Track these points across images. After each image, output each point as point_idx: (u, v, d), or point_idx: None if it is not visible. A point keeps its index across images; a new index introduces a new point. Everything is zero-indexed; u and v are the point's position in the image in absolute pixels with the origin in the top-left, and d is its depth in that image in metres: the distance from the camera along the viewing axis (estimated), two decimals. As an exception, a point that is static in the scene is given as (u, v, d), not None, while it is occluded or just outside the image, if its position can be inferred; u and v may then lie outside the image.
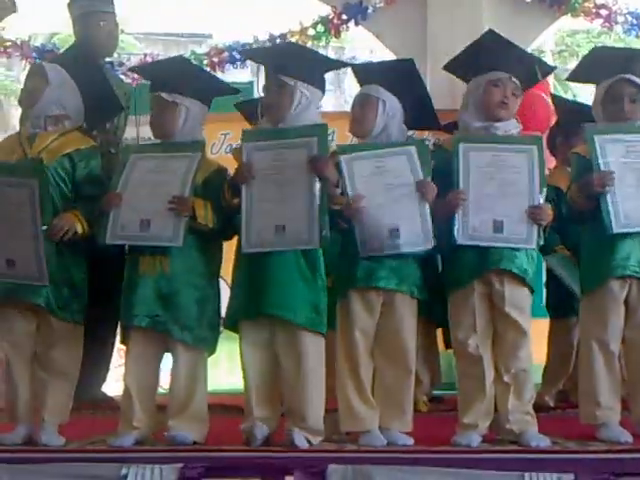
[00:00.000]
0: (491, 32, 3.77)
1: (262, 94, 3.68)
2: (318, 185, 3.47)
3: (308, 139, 3.51)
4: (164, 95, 3.61)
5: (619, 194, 3.52)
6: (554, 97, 5.21)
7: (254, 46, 6.69)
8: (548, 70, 4.07)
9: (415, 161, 3.54)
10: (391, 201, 3.52)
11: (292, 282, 3.48)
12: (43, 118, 3.70)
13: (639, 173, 3.56)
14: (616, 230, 3.51)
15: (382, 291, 3.57)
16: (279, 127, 3.58)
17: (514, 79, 3.64)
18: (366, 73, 3.82)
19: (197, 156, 3.55)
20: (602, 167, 3.54)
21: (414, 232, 3.53)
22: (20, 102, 3.91)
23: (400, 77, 3.73)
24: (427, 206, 3.52)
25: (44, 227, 3.51)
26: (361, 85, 3.79)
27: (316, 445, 3.46)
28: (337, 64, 3.93)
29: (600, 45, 5.96)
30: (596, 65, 3.75)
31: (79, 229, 3.58)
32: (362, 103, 3.69)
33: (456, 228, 3.49)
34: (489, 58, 3.65)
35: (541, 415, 3.65)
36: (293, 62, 3.59)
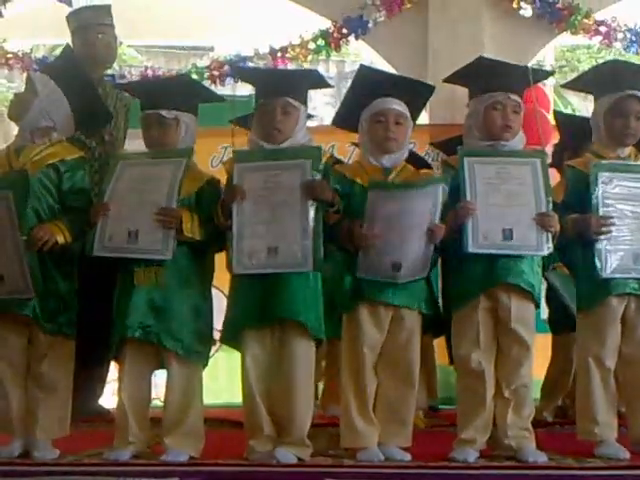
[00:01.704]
0: (482, 58, 3.78)
1: (259, 114, 3.63)
2: (313, 208, 3.46)
3: (302, 161, 3.50)
4: (164, 113, 3.61)
5: (612, 241, 3.54)
6: (557, 113, 5.20)
7: (255, 59, 6.71)
8: (543, 76, 4.11)
9: (438, 202, 3.50)
10: (402, 239, 3.50)
11: (300, 288, 3.47)
12: (30, 131, 3.68)
13: (632, 219, 3.58)
14: (604, 276, 3.54)
15: (391, 307, 3.56)
16: (271, 148, 3.57)
17: (512, 97, 3.62)
18: (384, 84, 3.70)
19: (183, 162, 3.53)
20: (601, 212, 3.55)
21: (414, 266, 3.53)
22: (9, 115, 3.89)
23: (415, 99, 3.72)
24: (432, 246, 3.52)
25: (24, 238, 3.48)
26: (365, 90, 3.68)
27: (311, 460, 3.45)
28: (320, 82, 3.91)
29: (615, 58, 5.90)
30: (603, 77, 3.72)
31: (60, 239, 3.55)
32: (398, 121, 3.62)
33: (466, 238, 3.48)
34: (484, 81, 3.64)
35: (539, 431, 3.63)
36: (295, 83, 3.61)
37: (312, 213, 3.45)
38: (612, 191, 3.57)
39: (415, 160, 4.59)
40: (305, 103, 3.65)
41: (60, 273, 3.63)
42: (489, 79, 3.63)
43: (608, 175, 3.58)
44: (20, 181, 3.56)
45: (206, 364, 3.63)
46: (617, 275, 3.55)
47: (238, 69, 5.76)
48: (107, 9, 4.91)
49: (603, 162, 3.62)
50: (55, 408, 3.62)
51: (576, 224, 3.59)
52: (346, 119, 3.80)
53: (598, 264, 3.53)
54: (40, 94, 3.69)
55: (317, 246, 3.43)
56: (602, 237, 3.53)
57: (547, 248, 3.52)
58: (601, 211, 3.55)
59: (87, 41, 4.77)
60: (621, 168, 3.62)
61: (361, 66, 3.90)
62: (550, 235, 3.51)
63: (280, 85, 3.60)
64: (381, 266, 3.51)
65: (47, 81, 3.75)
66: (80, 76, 3.91)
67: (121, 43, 5.61)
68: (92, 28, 4.79)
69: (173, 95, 3.64)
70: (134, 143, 4.79)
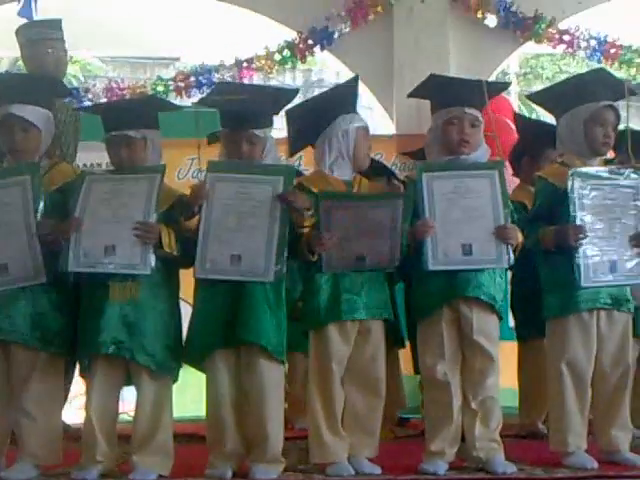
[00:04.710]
0: (433, 76, 3.80)
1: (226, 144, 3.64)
2: (279, 222, 3.47)
3: (274, 177, 3.53)
4: (132, 133, 3.57)
5: (589, 249, 3.54)
6: (518, 116, 5.19)
7: (220, 70, 6.68)
8: (499, 88, 4.14)
9: (398, 214, 3.50)
10: (363, 238, 3.51)
11: (262, 311, 3.48)
12: (38, 156, 3.66)
13: (609, 225, 3.58)
14: (584, 284, 3.54)
15: (359, 321, 3.57)
16: (246, 162, 3.57)
17: (469, 110, 3.63)
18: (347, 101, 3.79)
19: (157, 177, 3.51)
20: (577, 221, 3.54)
21: (380, 256, 3.54)
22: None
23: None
24: (399, 240, 3.52)
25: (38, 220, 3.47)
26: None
27: (281, 475, 3.44)
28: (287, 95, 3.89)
29: (600, 67, 5.88)
30: (586, 85, 3.71)
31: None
32: (366, 135, 3.73)
33: (426, 255, 3.49)
34: (440, 97, 3.67)
35: (507, 441, 3.63)
36: (260, 114, 3.61)
37: (279, 226, 3.46)
38: (589, 200, 3.56)
39: (381, 169, 4.61)
40: (268, 126, 3.65)
41: (56, 288, 3.57)
42: (445, 95, 3.67)
43: (585, 184, 3.56)
44: (34, 170, 3.55)
45: (176, 379, 3.61)
46: (596, 284, 3.54)
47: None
48: (57, 23, 4.84)
49: (580, 170, 3.59)
50: (43, 432, 3.53)
51: (555, 235, 3.58)
52: (309, 136, 3.79)
53: (577, 274, 3.52)
54: (42, 129, 3.64)
55: (280, 259, 3.45)
56: (580, 245, 3.53)
57: (507, 260, 3.54)
58: (578, 221, 3.54)
59: (36, 55, 4.72)
60: (596, 177, 3.60)
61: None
62: (510, 247, 3.53)
63: (241, 117, 3.59)
64: (347, 261, 3.53)
65: (36, 113, 3.63)
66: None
67: (71, 57, 5.48)
68: (41, 43, 4.74)
69: (137, 114, 3.62)
70: (85, 156, 4.77)
